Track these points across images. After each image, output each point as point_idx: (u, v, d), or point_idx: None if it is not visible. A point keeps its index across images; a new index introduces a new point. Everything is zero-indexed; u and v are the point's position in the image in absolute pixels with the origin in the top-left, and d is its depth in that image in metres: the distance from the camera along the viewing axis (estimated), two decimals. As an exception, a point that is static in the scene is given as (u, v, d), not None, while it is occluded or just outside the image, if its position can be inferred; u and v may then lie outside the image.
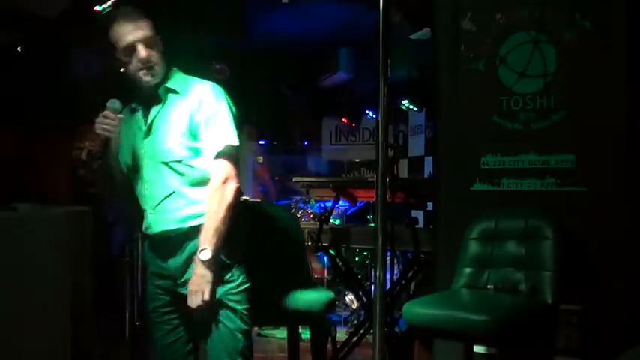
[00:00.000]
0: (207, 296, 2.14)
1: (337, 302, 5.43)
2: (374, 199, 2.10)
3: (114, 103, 2.24)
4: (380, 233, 2.09)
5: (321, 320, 3.02)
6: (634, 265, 2.83)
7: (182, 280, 2.25)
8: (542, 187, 3.04)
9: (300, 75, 7.35)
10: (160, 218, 2.27)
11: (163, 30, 2.30)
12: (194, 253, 2.20)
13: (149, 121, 2.30)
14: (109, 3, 4.23)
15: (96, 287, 2.88)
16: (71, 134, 7.23)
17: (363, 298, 4.34)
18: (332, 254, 4.21)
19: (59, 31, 5.20)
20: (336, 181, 4.60)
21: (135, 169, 2.34)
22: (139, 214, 2.38)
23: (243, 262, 2.29)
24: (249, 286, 2.29)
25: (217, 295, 2.19)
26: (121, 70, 2.29)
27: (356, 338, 4.04)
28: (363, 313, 4.66)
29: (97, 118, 2.24)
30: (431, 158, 6.95)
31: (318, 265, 5.79)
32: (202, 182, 2.24)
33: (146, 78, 2.25)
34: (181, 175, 2.24)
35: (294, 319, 2.91)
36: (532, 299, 2.60)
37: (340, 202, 4.45)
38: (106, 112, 2.23)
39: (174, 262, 2.27)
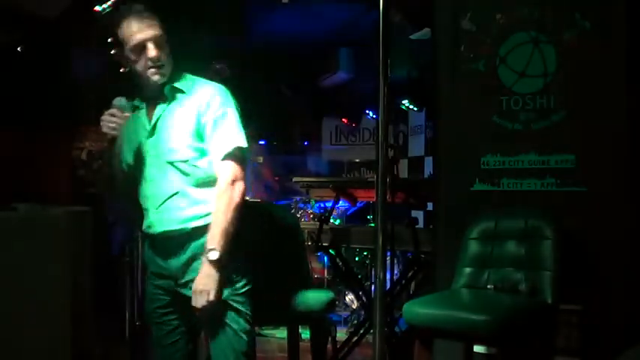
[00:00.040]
0: (212, 297, 2.13)
1: (337, 302, 5.44)
2: (374, 199, 2.10)
3: (120, 101, 2.23)
4: (380, 233, 2.09)
5: (321, 320, 3.02)
6: (634, 265, 2.83)
7: (183, 280, 2.25)
8: (542, 187, 3.04)
9: (300, 75, 7.35)
10: (163, 218, 2.26)
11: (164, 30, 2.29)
12: (197, 253, 2.20)
13: (154, 120, 2.29)
14: (109, 3, 4.23)
15: (96, 287, 2.88)
16: (71, 134, 7.25)
17: (363, 298, 4.34)
18: (332, 254, 4.21)
19: (59, 31, 5.20)
20: (336, 181, 4.60)
21: (137, 168, 2.32)
22: (139, 213, 2.37)
23: (248, 262, 2.29)
24: (251, 287, 2.29)
25: (222, 296, 2.18)
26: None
27: (356, 338, 4.04)
28: (363, 313, 4.66)
29: (102, 116, 2.22)
30: (431, 158, 6.95)
31: (318, 265, 5.79)
32: (206, 183, 2.23)
33: (154, 77, 2.24)
34: (186, 175, 2.23)
35: (294, 319, 2.91)
36: (532, 299, 2.60)
37: (340, 202, 4.45)
38: (113, 110, 2.21)
39: (176, 262, 2.26)
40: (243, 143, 2.25)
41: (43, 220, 2.69)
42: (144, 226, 2.34)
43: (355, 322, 4.97)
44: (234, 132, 2.25)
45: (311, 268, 4.12)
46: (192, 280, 2.21)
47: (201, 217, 2.22)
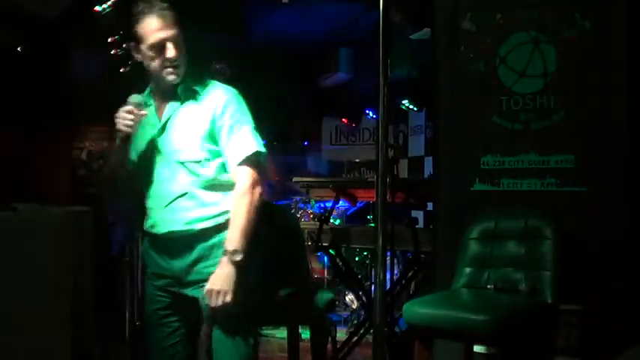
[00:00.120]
0: (230, 298, 2.13)
1: (337, 302, 5.45)
2: (374, 199, 2.10)
3: (137, 98, 2.21)
4: (380, 233, 2.09)
5: (321, 320, 3.02)
6: (634, 265, 2.83)
7: (187, 281, 2.24)
8: (542, 187, 3.04)
9: (300, 75, 7.34)
10: (168, 218, 2.24)
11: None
12: (204, 255, 2.20)
13: (164, 119, 2.27)
14: (108, 3, 4.24)
15: (96, 287, 2.88)
16: (71, 134, 7.25)
17: (363, 298, 4.34)
18: (332, 254, 4.21)
19: (59, 31, 5.20)
20: (336, 181, 4.60)
21: (143, 166, 2.29)
22: (140, 213, 2.36)
23: (261, 264, 2.29)
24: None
25: (239, 298, 2.17)
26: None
27: (356, 338, 4.04)
28: (363, 313, 4.66)
29: (116, 113, 2.20)
30: (431, 158, 6.95)
31: (318, 265, 5.79)
32: (215, 186, 2.23)
33: (169, 77, 2.22)
34: (196, 175, 2.22)
35: (294, 319, 2.91)
36: (532, 299, 2.60)
37: (340, 202, 4.45)
38: (129, 108, 2.18)
39: (180, 263, 2.24)
40: (261, 148, 2.26)
41: (43, 220, 2.68)
42: (146, 225, 2.33)
43: (355, 322, 4.97)
44: (252, 137, 2.26)
45: (311, 268, 4.11)
46: (197, 282, 2.21)
47: (208, 218, 2.21)
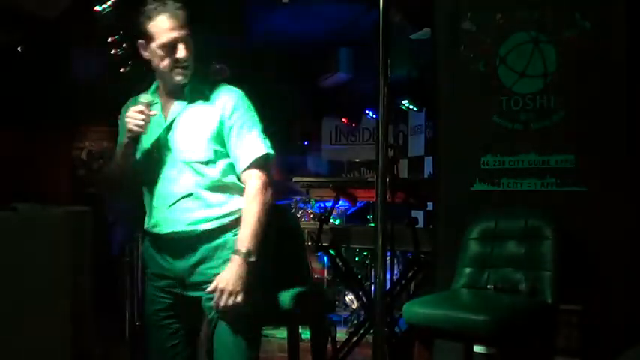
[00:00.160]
0: (240, 298, 2.12)
1: (337, 302, 5.46)
2: (374, 199, 2.10)
3: (146, 97, 2.19)
4: (380, 233, 2.09)
5: (321, 320, 3.02)
6: (634, 265, 2.83)
7: (190, 282, 2.23)
8: (542, 187, 3.04)
9: (300, 75, 7.34)
10: (171, 218, 2.22)
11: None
12: (207, 256, 2.19)
13: (170, 118, 2.25)
14: (108, 3, 4.24)
15: (96, 287, 2.88)
16: (71, 134, 7.26)
17: (363, 298, 4.34)
18: (332, 254, 4.22)
19: (59, 31, 5.20)
20: (336, 181, 4.60)
21: (146, 165, 2.27)
22: (140, 213, 2.35)
23: (267, 265, 2.29)
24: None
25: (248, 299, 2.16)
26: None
27: (356, 338, 4.04)
28: (363, 313, 4.66)
29: (127, 113, 2.18)
30: (431, 158, 6.95)
31: (318, 265, 5.79)
32: (220, 187, 2.22)
33: (178, 77, 2.21)
34: (202, 176, 2.20)
35: (294, 319, 2.91)
36: (532, 299, 2.60)
37: (340, 202, 4.45)
38: (140, 107, 2.16)
39: (183, 263, 2.23)
40: (270, 150, 2.26)
41: (43, 220, 2.68)
42: (148, 225, 2.31)
43: (355, 322, 4.97)
44: (261, 139, 2.26)
45: (311, 268, 4.11)
46: (200, 283, 2.20)
47: (212, 219, 2.20)
